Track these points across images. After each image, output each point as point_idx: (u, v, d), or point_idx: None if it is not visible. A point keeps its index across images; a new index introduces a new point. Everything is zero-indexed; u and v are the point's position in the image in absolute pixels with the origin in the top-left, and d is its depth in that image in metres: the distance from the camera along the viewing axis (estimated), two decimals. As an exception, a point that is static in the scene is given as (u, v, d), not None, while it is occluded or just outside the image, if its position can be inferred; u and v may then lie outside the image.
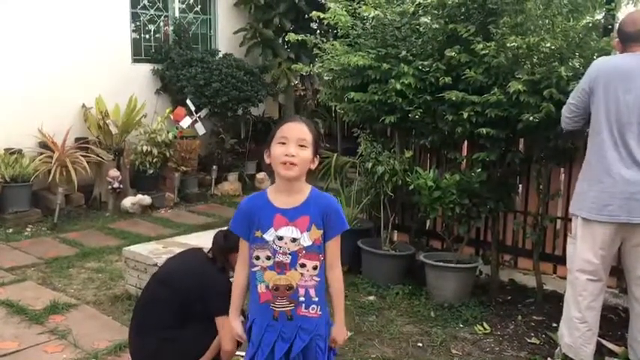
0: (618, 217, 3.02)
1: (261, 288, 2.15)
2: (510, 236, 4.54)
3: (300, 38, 4.89)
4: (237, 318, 2.29)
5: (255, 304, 2.18)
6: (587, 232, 3.13)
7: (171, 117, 7.35)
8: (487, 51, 3.80)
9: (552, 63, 3.68)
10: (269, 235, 2.11)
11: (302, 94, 9.17)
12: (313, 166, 2.12)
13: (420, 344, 3.62)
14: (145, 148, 6.86)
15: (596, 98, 3.07)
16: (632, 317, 3.27)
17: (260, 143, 7.94)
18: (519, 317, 4.02)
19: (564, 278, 4.27)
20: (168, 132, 7.06)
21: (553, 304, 4.13)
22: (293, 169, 2.05)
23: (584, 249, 3.16)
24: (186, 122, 7.34)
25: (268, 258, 2.12)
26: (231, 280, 2.53)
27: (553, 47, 3.68)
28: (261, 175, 7.81)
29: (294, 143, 2.05)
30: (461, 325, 3.89)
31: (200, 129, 7.53)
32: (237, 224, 2.19)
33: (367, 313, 4.03)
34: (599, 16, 4.19)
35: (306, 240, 2.10)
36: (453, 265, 4.20)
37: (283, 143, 2.05)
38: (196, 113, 7.47)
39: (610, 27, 4.04)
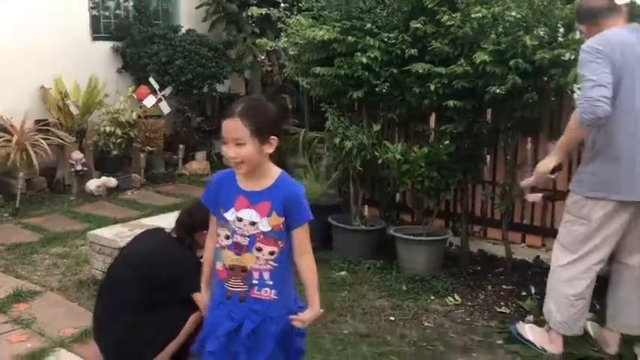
0: None
1: (219, 265, 2.18)
2: (479, 207, 4.57)
3: (263, 12, 4.79)
4: (207, 291, 2.31)
5: (216, 280, 2.22)
6: (615, 219, 2.87)
7: (135, 96, 7.14)
8: (453, 22, 3.76)
9: (517, 32, 3.66)
10: (230, 215, 2.11)
11: (268, 69, 9.04)
12: (270, 150, 2.07)
13: (392, 318, 3.63)
14: (108, 128, 6.68)
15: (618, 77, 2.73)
16: (617, 282, 3.08)
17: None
18: (489, 287, 4.06)
19: (533, 247, 4.37)
20: (131, 111, 6.88)
21: (522, 272, 4.19)
22: (241, 167, 2.06)
23: (607, 239, 2.92)
24: (149, 101, 7.16)
25: (227, 237, 2.13)
26: (200, 259, 2.51)
27: (518, 16, 3.65)
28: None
29: (231, 143, 2.03)
30: (432, 298, 3.91)
31: (165, 108, 7.36)
32: (208, 197, 2.21)
33: (339, 288, 4.02)
34: (562, -16, 4.17)
35: (265, 225, 2.08)
36: (423, 237, 4.21)
37: (225, 142, 2.05)
38: (160, 92, 7.29)
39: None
